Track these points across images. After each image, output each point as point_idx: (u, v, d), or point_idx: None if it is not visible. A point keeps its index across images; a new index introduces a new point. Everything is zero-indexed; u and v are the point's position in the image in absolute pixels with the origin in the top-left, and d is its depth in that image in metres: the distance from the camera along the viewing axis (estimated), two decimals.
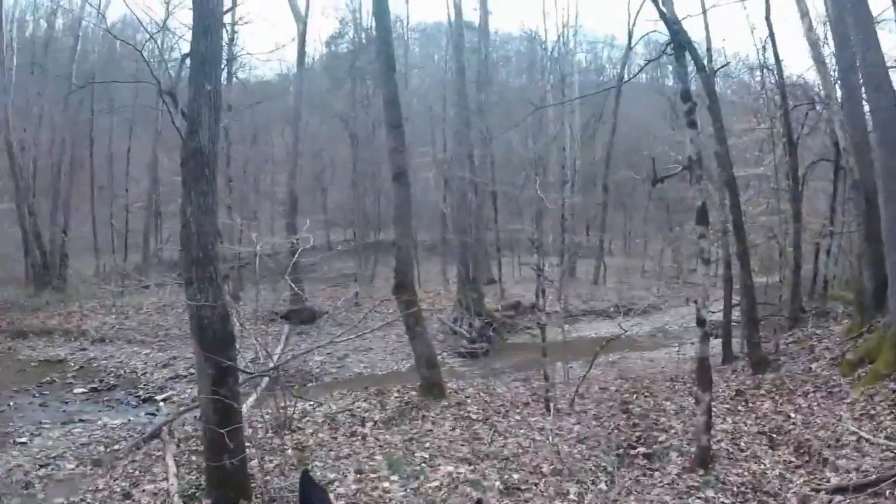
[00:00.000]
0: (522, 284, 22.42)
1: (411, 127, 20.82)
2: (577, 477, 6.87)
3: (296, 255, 11.17)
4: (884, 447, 7.09)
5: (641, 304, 19.10)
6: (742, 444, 8.12)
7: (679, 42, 7.28)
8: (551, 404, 9.10)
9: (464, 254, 19.52)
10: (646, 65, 23.41)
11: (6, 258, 22.92)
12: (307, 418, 9.05)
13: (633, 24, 25.76)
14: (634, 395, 10.14)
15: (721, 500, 6.46)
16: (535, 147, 20.12)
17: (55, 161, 24.33)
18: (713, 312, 16.69)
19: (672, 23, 7.16)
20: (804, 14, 11.26)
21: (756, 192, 16.68)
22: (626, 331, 11.46)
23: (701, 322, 7.42)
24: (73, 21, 25.23)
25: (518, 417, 9.01)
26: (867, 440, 7.37)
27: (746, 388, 10.25)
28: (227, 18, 17.22)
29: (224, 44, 19.27)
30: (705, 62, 11.81)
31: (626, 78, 25.78)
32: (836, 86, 11.02)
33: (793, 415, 8.87)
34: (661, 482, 6.91)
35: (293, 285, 15.23)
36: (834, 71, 11.64)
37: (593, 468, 7.17)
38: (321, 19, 57.90)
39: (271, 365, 8.35)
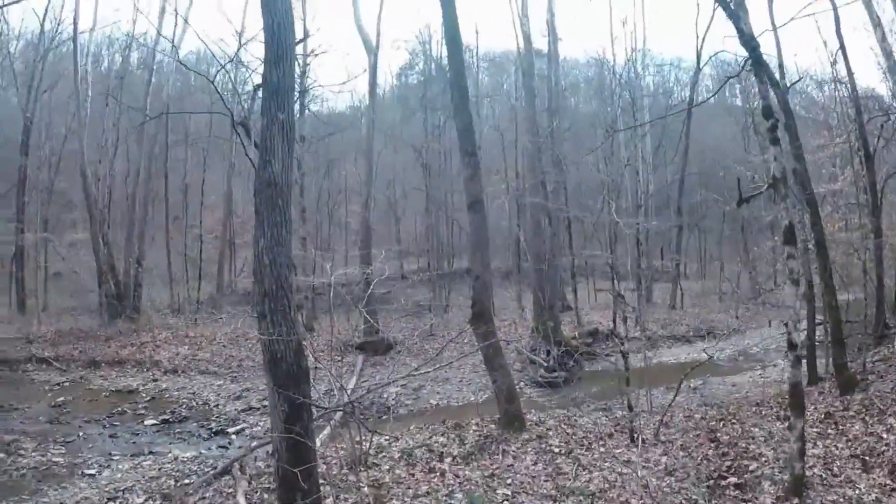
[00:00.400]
0: (598, 311, 22.44)
1: (484, 155, 21.19)
2: None
3: (371, 286, 11.23)
4: None
5: (721, 328, 18.91)
6: (835, 468, 8.01)
7: (757, 58, 7.36)
8: (636, 435, 9.03)
9: (539, 281, 19.42)
10: (725, 83, 23.03)
11: (81, 288, 23.65)
12: (383, 454, 8.89)
13: (702, 45, 25.71)
14: (721, 423, 10.00)
15: None
16: (607, 171, 20.25)
17: (130, 192, 25.02)
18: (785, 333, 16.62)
19: (750, 39, 7.23)
20: (876, 24, 11.13)
21: (833, 208, 16.36)
22: (711, 356, 11.30)
23: (792, 346, 7.30)
24: (148, 55, 25.95)
25: (602, 450, 8.82)
26: None
27: (835, 410, 10.08)
28: (298, 49, 18.00)
29: (296, 76, 20.15)
30: (778, 78, 11.83)
31: (697, 99, 25.55)
32: None
33: (885, 436, 8.71)
34: None
35: (367, 316, 15.64)
36: None
37: (684, 502, 7.11)
38: (391, 51, 59.53)
39: (346, 399, 8.24)
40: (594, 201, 23.45)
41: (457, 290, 24.19)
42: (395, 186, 31.77)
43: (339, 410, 8.78)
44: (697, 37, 32.42)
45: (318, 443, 7.64)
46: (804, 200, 11.83)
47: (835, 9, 13.08)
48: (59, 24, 24.07)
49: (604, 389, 13.32)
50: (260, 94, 6.84)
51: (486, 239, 11.44)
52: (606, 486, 7.52)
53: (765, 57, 7.96)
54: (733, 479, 7.67)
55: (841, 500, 7.15)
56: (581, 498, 7.22)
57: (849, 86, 14.28)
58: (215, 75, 11.22)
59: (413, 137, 29.19)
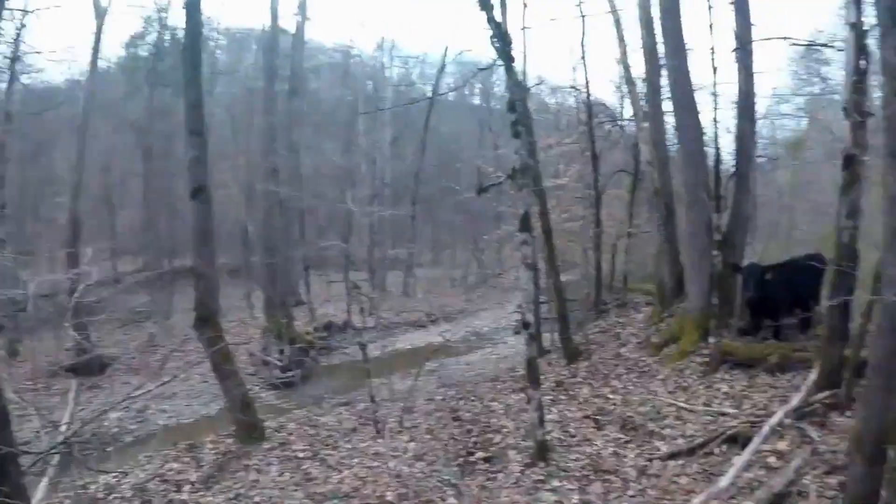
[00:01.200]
0: (333, 303, 21.37)
1: (215, 139, 18.68)
2: (424, 497, 6.48)
3: (75, 294, 9.55)
4: (702, 413, 7.66)
5: (453, 312, 19.54)
6: (571, 430, 8.29)
7: (508, 54, 7.43)
8: (381, 426, 8.64)
9: (271, 276, 18.18)
10: (474, 75, 24.02)
11: None
12: (113, 494, 7.71)
13: (448, 46, 26.59)
14: (461, 402, 10.04)
15: (567, 486, 6.47)
16: (345, 160, 19.64)
17: None
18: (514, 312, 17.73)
19: (504, 33, 7.33)
20: (621, 39, 12.25)
21: (558, 200, 17.87)
22: (447, 339, 11.39)
23: (526, 324, 7.57)
24: None
25: (349, 446, 8.23)
26: (685, 409, 7.92)
27: (565, 378, 10.68)
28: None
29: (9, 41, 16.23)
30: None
31: (443, 90, 26.35)
32: (643, 105, 12.05)
33: (611, 396, 9.31)
34: (506, 483, 6.79)
35: (76, 331, 13.16)
36: (642, 92, 12.63)
37: (438, 484, 6.83)
38: (122, 17, 50.83)
39: (61, 437, 7.07)
40: (330, 190, 22.61)
41: (180, 291, 21.00)
42: (112, 172, 27.05)
43: (56, 453, 7.15)
44: (447, 31, 33.65)
45: (38, 495, 6.29)
46: (534, 192, 12.49)
47: (583, 22, 14.51)
48: None
49: (343, 383, 12.82)
50: None
51: (210, 231, 10.06)
52: (359, 483, 6.90)
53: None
54: (481, 454, 7.60)
55: (583, 457, 7.32)
56: (336, 501, 6.55)
57: (585, 92, 15.67)
58: None
59: (136, 116, 25.74)
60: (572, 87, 16.56)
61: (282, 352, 15.78)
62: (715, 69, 8.54)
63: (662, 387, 8.98)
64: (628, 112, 16.15)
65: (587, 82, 15.35)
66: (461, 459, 7.48)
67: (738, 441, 6.59)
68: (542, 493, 6.39)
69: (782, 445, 6.22)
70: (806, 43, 11.62)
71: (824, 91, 16.32)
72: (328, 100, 32.77)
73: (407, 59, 37.38)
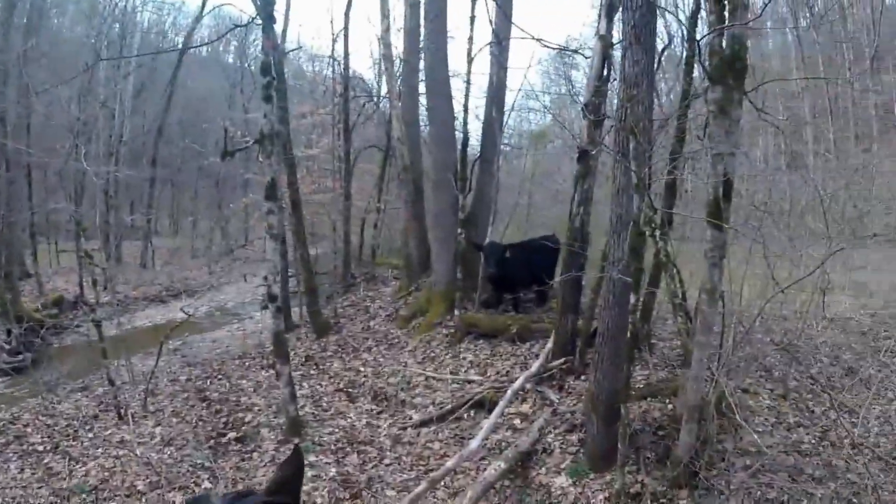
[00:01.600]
0: (63, 275, 18.33)
1: None
2: (177, 483, 5.98)
3: None
4: (450, 381, 8.14)
5: (196, 285, 18.19)
6: (324, 404, 8.36)
7: (270, 13, 7.16)
8: (124, 411, 7.69)
9: None
10: (231, 30, 21.81)
11: None
12: None
13: None
14: (208, 381, 9.45)
15: (324, 460, 6.46)
16: (81, 110, 16.74)
17: None
18: (261, 286, 17.13)
19: None
20: (385, 16, 12.03)
21: (308, 171, 17.52)
22: (189, 314, 10.45)
23: (273, 297, 7.35)
24: None
25: (91, 435, 7.24)
26: (434, 378, 8.37)
27: (315, 353, 10.65)
28: None
29: None
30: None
31: (196, 43, 23.81)
32: (399, 84, 12.15)
33: (362, 368, 9.51)
34: (261, 462, 6.57)
35: None
36: (399, 71, 12.67)
37: (191, 469, 6.34)
38: None
39: None
40: (61, 145, 19.15)
41: None
42: None
43: None
44: None
45: None
46: (283, 161, 12.05)
47: None
48: None
49: (79, 366, 11.12)
50: None
51: None
52: (107, 474, 6.10)
53: None
54: (233, 434, 7.23)
55: (337, 430, 7.38)
56: (84, 496, 5.71)
57: (343, 64, 15.38)
58: None
59: None
60: (331, 57, 16.22)
61: (9, 332, 13.11)
62: (471, 59, 9.02)
63: (412, 358, 9.39)
64: (385, 89, 16.35)
65: (346, 54, 15.21)
66: (213, 441, 7.03)
67: (484, 406, 7.14)
68: None
69: (525, 408, 6.90)
70: (557, 47, 12.81)
71: (570, 92, 18.33)
72: (70, 39, 27.57)
73: (162, 3, 33.38)
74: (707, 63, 4.39)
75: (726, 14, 4.70)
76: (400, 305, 11.80)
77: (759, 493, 4.81)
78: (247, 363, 10.57)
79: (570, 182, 8.02)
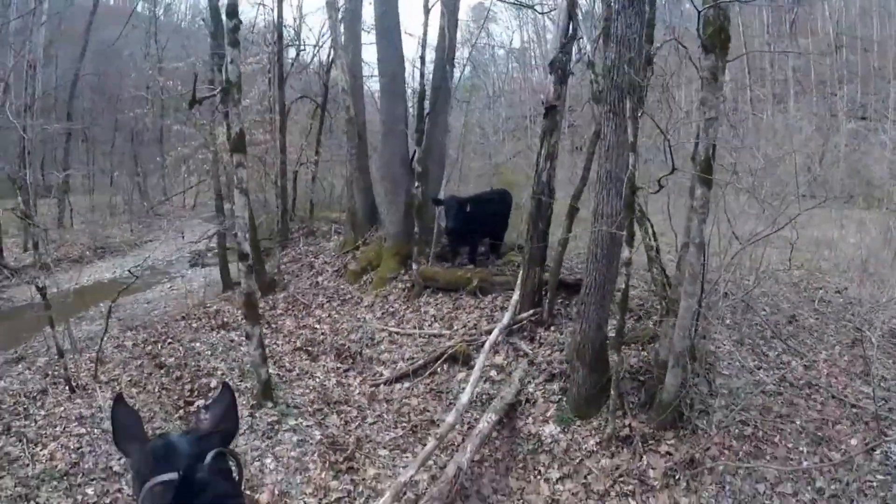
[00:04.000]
0: None
1: None
2: None
3: None
4: (416, 336, 8.18)
5: (118, 244, 17.15)
6: (287, 364, 8.20)
7: None
8: (74, 383, 7.12)
9: None
10: None
11: None
12: None
13: None
14: (159, 346, 8.84)
15: (305, 423, 6.36)
16: None
17: None
18: (196, 243, 16.39)
19: None
20: None
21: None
22: (137, 276, 9.83)
23: (244, 256, 6.89)
24: None
25: (44, 412, 6.54)
26: (398, 332, 8.39)
27: (264, 311, 10.14)
28: None
29: None
30: None
31: None
32: (340, 31, 11.59)
33: (318, 326, 9.38)
34: (239, 429, 6.36)
35: None
36: (341, 18, 12.05)
37: None
38: None
39: None
40: None
41: None
42: None
43: None
44: None
45: None
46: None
47: None
48: None
49: (10, 335, 10.29)
50: None
51: None
52: (74, 456, 5.56)
53: None
54: (201, 402, 6.88)
55: (308, 390, 7.31)
56: (55, 483, 5.19)
57: (275, 14, 14.71)
58: None
59: None
60: (261, 3, 15.21)
61: None
62: (429, 9, 8.75)
63: (370, 313, 9.33)
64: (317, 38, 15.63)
65: (280, 3, 14.46)
66: (181, 411, 6.74)
67: (458, 360, 7.26)
68: (282, 435, 6.15)
69: (499, 360, 7.06)
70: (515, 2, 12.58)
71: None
72: None
73: None
74: (702, 32, 4.48)
75: None
76: (347, 260, 11.58)
77: (736, 430, 5.19)
78: (194, 325, 10.02)
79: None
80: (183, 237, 15.16)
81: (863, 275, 9.56)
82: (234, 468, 1.43)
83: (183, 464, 1.31)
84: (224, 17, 5.78)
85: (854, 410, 5.42)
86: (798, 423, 5.32)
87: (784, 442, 5.07)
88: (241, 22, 6.45)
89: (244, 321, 7.28)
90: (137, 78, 19.42)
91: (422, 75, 9.30)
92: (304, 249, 13.28)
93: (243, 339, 8.13)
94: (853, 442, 5.04)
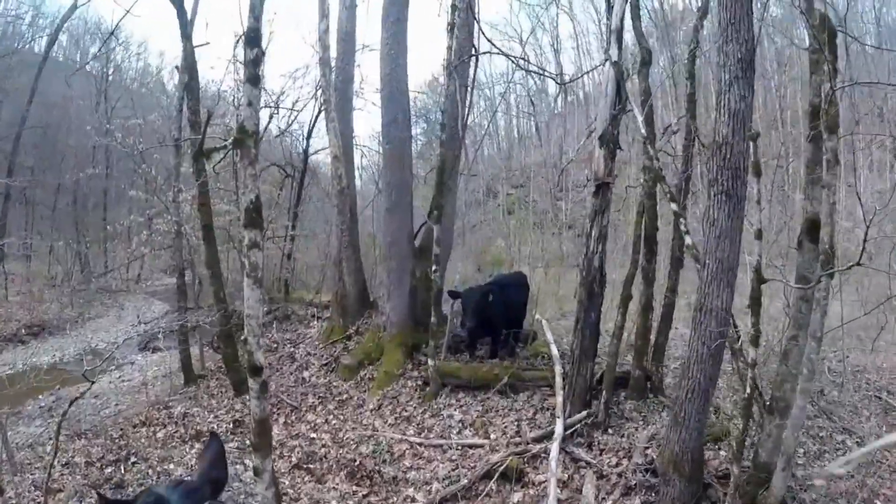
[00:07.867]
0: None
1: None
2: None
3: None
4: (445, 447, 6.92)
5: (56, 322, 15.15)
6: (290, 491, 6.72)
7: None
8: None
9: None
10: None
11: None
12: None
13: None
14: (120, 467, 7.11)
15: None
16: None
17: None
18: (146, 322, 14.51)
19: None
20: (324, 16, 10.44)
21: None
22: (93, 381, 7.35)
23: (256, 369, 4.89)
24: None
25: None
26: (421, 444, 7.09)
27: (243, 416, 8.69)
28: None
29: None
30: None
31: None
32: (333, 93, 10.68)
33: (315, 435, 7.96)
34: None
35: None
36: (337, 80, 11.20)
37: None
38: None
39: None
40: None
41: None
42: None
43: None
44: None
45: None
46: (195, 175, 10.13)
47: None
48: None
49: None
50: None
51: None
52: None
53: None
54: None
55: None
56: None
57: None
58: None
59: None
60: (233, 59, 14.05)
61: None
62: (450, 70, 7.95)
63: (379, 419, 7.96)
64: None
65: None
66: None
67: (509, 477, 6.08)
68: None
69: (559, 473, 5.88)
70: (539, 71, 12.08)
71: None
72: None
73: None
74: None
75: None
76: (338, 352, 10.13)
77: None
78: (157, 433, 8.36)
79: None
80: (139, 319, 13.27)
81: None
82: None
83: None
84: (245, 46, 4.51)
85: None
86: None
87: None
88: (263, 53, 5.13)
89: (252, 452, 5.64)
90: (84, 135, 17.78)
91: (442, 143, 8.37)
92: (279, 337, 11.79)
93: (236, 464, 6.77)
94: None
